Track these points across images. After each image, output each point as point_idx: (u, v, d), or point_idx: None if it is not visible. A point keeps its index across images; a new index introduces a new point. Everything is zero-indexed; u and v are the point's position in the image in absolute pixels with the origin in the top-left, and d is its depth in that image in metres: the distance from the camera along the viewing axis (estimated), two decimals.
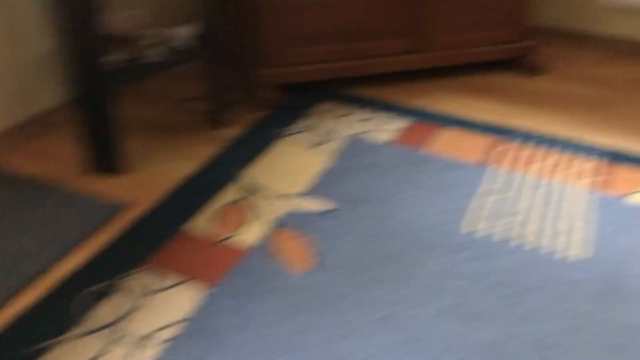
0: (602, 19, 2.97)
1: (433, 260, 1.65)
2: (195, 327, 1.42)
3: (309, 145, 2.16)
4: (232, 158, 2.08)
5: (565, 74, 2.77)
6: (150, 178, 1.98)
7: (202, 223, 1.77)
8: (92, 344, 1.38)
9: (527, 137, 2.23)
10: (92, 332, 1.41)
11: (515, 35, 2.62)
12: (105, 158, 1.96)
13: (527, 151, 2.14)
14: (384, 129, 2.28)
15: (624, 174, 2.03)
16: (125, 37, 2.09)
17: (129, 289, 1.53)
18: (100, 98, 1.87)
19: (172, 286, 1.54)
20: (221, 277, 1.57)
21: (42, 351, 1.36)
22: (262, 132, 2.24)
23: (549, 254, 1.67)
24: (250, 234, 1.72)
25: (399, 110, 2.41)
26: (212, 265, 1.61)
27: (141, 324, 1.43)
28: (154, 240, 1.69)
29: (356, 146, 2.16)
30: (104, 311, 1.46)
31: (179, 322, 1.44)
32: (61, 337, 1.39)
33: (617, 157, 2.12)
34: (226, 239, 1.71)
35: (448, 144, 2.18)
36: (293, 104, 2.46)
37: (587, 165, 2.07)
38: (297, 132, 2.25)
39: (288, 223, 1.77)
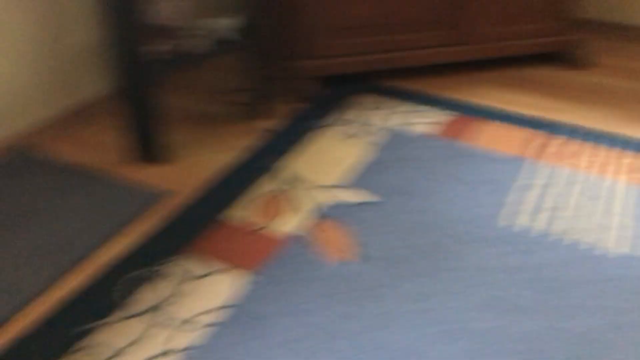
0: None
1: (472, 253, 1.63)
2: (238, 312, 1.44)
3: (347, 137, 2.16)
4: (271, 149, 2.10)
5: (610, 67, 2.71)
6: (190, 167, 2.01)
7: (241, 212, 1.78)
8: (136, 326, 1.41)
9: (570, 132, 2.19)
10: (136, 315, 1.44)
11: (560, 28, 2.57)
12: (147, 147, 2.00)
13: (569, 146, 2.11)
14: (423, 121, 2.26)
15: None
16: (167, 28, 2.12)
17: (170, 274, 1.55)
18: (143, 88, 1.90)
19: (213, 273, 1.56)
20: (261, 265, 1.59)
21: (88, 332, 1.39)
22: (300, 124, 2.25)
23: (588, 250, 1.64)
24: (288, 224, 1.74)
25: (439, 103, 2.39)
26: (252, 253, 1.63)
27: (183, 308, 1.46)
28: (194, 228, 1.72)
29: (396, 139, 2.15)
30: (147, 295, 1.49)
31: (220, 307, 1.46)
32: (106, 320, 1.43)
33: None
34: (265, 228, 1.72)
35: (489, 138, 2.16)
36: (331, 96, 2.46)
37: (627, 160, 2.02)
38: (336, 124, 2.25)
39: (327, 214, 1.78)
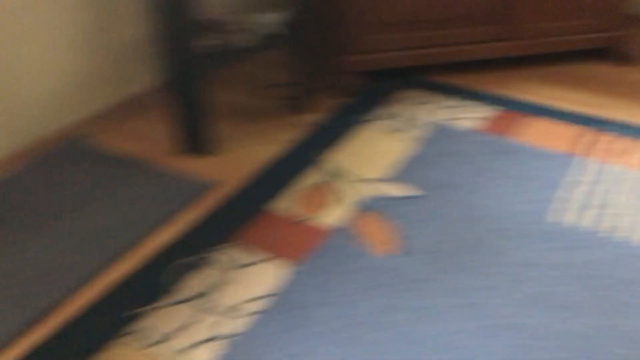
0: None
1: (517, 249, 1.62)
2: (283, 301, 1.46)
3: (391, 132, 2.16)
4: (315, 142, 2.11)
5: None
6: (236, 159, 2.04)
7: (285, 203, 1.80)
8: (183, 312, 1.44)
9: (620, 129, 2.14)
10: (183, 301, 1.47)
11: (609, 24, 2.51)
12: (194, 139, 2.04)
13: (619, 143, 2.06)
14: (469, 116, 2.24)
15: None
16: (215, 22, 2.16)
17: (217, 262, 1.58)
18: (191, 82, 1.94)
19: (258, 262, 1.58)
20: (305, 255, 1.60)
21: (137, 316, 1.43)
22: (344, 118, 2.26)
23: (639, 247, 1.60)
24: (332, 216, 1.75)
25: (486, 99, 2.37)
26: (295, 243, 1.65)
27: (229, 295, 1.48)
28: (240, 218, 1.75)
29: (441, 133, 2.14)
30: (194, 282, 1.52)
31: (265, 296, 1.48)
32: (154, 305, 1.46)
33: None
34: (308, 219, 1.74)
35: (535, 134, 2.13)
36: (376, 90, 2.46)
37: None
38: (379, 119, 2.25)
39: (371, 207, 1.78)
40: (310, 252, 1.62)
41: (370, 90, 2.46)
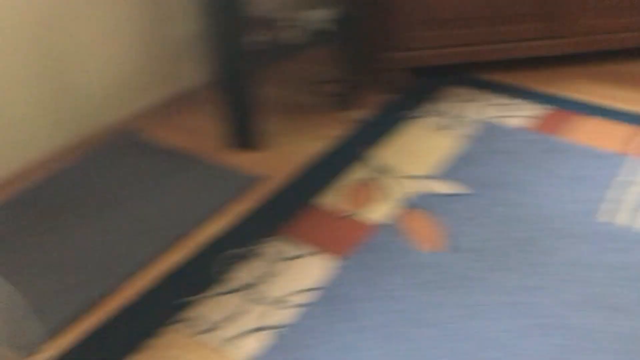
0: None
1: (567, 249, 1.59)
2: (329, 295, 1.48)
3: (438, 129, 2.15)
4: (362, 138, 2.12)
5: None
6: (283, 154, 2.06)
7: (332, 198, 1.82)
8: (232, 301, 1.47)
9: None
10: (232, 291, 1.50)
11: None
12: (242, 134, 2.07)
13: None
14: (519, 115, 2.22)
15: None
16: (264, 19, 2.19)
17: (265, 254, 1.61)
18: (241, 78, 1.97)
19: (304, 255, 1.60)
20: (350, 250, 1.62)
21: (188, 305, 1.47)
22: (392, 114, 2.26)
23: None
24: (378, 212, 1.76)
25: (536, 97, 2.33)
26: (341, 238, 1.66)
27: (276, 287, 1.51)
28: (287, 212, 1.77)
29: (489, 131, 2.12)
30: (242, 273, 1.56)
31: (311, 289, 1.50)
32: (204, 294, 1.50)
33: None
34: (355, 214, 1.75)
35: (586, 133, 2.09)
36: (424, 87, 2.45)
37: None
38: (428, 115, 2.24)
39: (418, 204, 1.78)
40: (356, 247, 1.63)
41: (417, 87, 2.46)
